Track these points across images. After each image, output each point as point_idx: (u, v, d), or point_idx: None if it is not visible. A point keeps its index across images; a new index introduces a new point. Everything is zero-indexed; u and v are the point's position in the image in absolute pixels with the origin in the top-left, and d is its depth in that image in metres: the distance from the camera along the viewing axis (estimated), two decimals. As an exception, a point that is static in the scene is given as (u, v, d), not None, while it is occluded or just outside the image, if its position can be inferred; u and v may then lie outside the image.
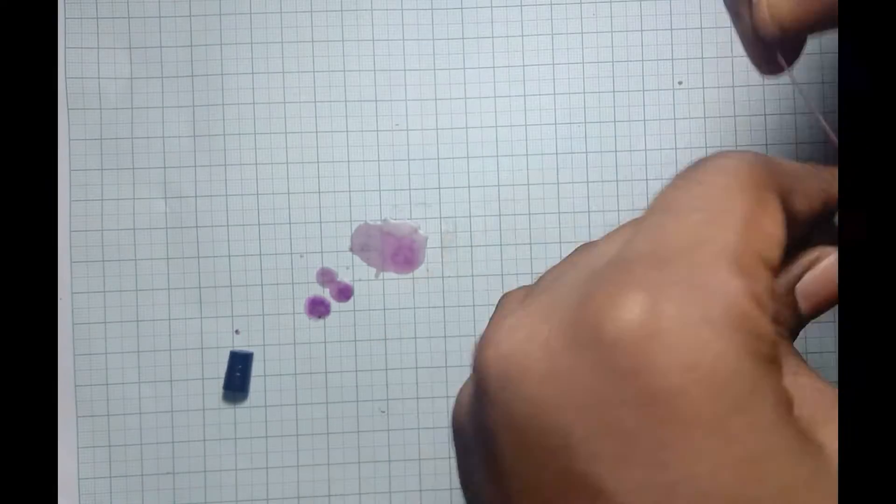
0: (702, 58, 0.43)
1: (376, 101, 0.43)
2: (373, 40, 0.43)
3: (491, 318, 0.21)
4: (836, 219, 0.23)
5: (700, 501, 0.16)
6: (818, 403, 0.18)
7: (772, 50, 0.26)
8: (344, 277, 0.42)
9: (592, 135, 0.43)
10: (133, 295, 0.42)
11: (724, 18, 0.43)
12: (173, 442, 0.42)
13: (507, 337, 0.19)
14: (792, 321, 0.22)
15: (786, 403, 0.17)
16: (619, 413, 0.16)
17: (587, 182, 0.43)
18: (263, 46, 0.43)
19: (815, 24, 0.25)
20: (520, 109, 0.43)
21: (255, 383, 0.42)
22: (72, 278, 0.42)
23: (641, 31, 0.43)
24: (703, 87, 0.43)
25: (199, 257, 0.42)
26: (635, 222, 0.20)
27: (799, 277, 0.22)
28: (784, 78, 0.26)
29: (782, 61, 0.27)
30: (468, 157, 0.43)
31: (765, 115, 0.42)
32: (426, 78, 0.43)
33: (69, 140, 0.42)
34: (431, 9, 0.43)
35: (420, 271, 0.42)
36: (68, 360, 0.42)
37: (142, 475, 0.42)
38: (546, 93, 0.43)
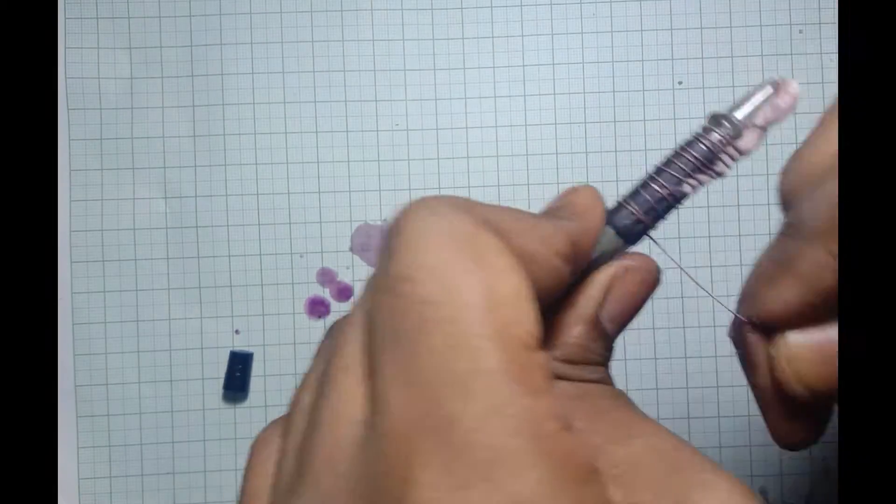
0: (702, 58, 0.43)
1: (376, 101, 0.43)
2: (373, 40, 0.43)
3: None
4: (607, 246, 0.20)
5: None
6: (651, 476, 0.16)
7: (796, 415, 0.21)
8: (344, 277, 0.42)
9: (592, 135, 0.43)
10: (133, 295, 0.42)
11: (725, 18, 0.43)
12: (173, 442, 0.42)
13: None
14: (606, 350, 0.20)
15: None
16: None
17: (587, 182, 0.43)
18: (263, 46, 0.43)
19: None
20: (520, 109, 0.43)
21: (255, 383, 0.42)
22: (72, 278, 0.42)
23: (641, 31, 0.43)
24: (703, 87, 0.43)
25: (199, 257, 0.42)
26: (367, 358, 0.16)
27: (598, 301, 0.20)
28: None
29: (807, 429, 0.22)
30: (468, 157, 0.43)
31: (765, 115, 0.42)
32: (426, 78, 0.43)
33: (69, 140, 0.42)
34: (431, 9, 0.43)
35: (420, 271, 0.42)
36: (68, 360, 0.42)
37: (142, 475, 0.42)
38: (546, 93, 0.43)
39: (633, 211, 0.21)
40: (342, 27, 0.43)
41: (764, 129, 0.21)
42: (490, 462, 0.13)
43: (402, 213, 0.16)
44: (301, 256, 0.43)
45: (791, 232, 0.20)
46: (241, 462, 0.42)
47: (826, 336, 0.20)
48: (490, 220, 0.17)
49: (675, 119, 0.43)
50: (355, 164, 0.43)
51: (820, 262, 0.19)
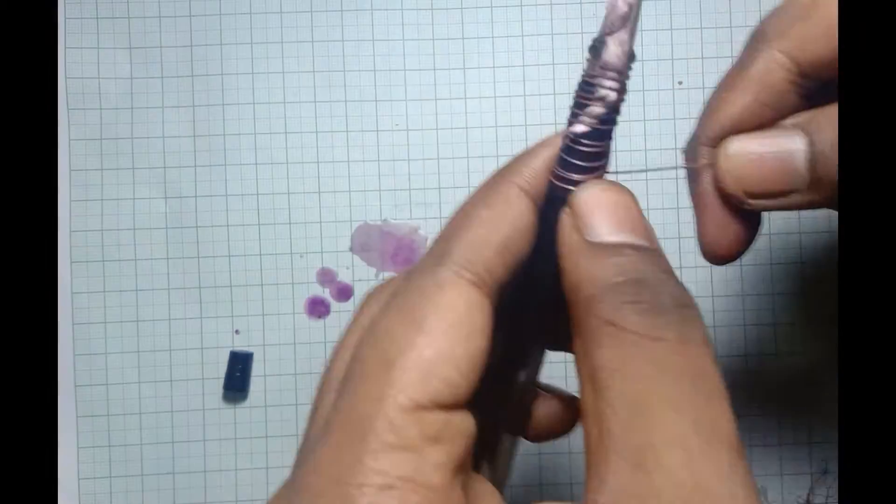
0: (702, 58, 0.43)
1: (376, 101, 0.43)
2: (373, 40, 0.43)
3: None
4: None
5: None
6: None
7: (728, 221, 0.23)
8: (344, 277, 0.42)
9: (592, 135, 0.43)
10: (133, 295, 0.42)
11: (725, 18, 0.43)
12: (173, 442, 0.42)
13: None
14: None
15: None
16: None
17: (587, 182, 0.43)
18: (263, 46, 0.43)
19: (782, 191, 0.21)
20: (520, 109, 0.43)
21: (255, 383, 0.42)
22: (72, 278, 0.42)
23: (641, 31, 0.43)
24: (703, 87, 0.43)
25: (199, 257, 0.42)
26: None
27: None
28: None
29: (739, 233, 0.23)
30: (468, 157, 0.43)
31: (765, 115, 0.42)
32: (426, 78, 0.43)
33: (69, 140, 0.42)
34: (431, 9, 0.43)
35: (420, 271, 0.42)
36: (68, 360, 0.42)
37: (142, 475, 0.42)
38: (546, 93, 0.43)
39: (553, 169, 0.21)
40: (342, 27, 0.43)
41: (613, 34, 0.20)
42: None
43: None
44: (301, 256, 0.43)
45: (751, 43, 0.22)
46: (241, 462, 0.42)
47: (764, 139, 0.21)
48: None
49: (675, 119, 0.43)
50: (355, 164, 0.43)
51: (771, 61, 0.21)
